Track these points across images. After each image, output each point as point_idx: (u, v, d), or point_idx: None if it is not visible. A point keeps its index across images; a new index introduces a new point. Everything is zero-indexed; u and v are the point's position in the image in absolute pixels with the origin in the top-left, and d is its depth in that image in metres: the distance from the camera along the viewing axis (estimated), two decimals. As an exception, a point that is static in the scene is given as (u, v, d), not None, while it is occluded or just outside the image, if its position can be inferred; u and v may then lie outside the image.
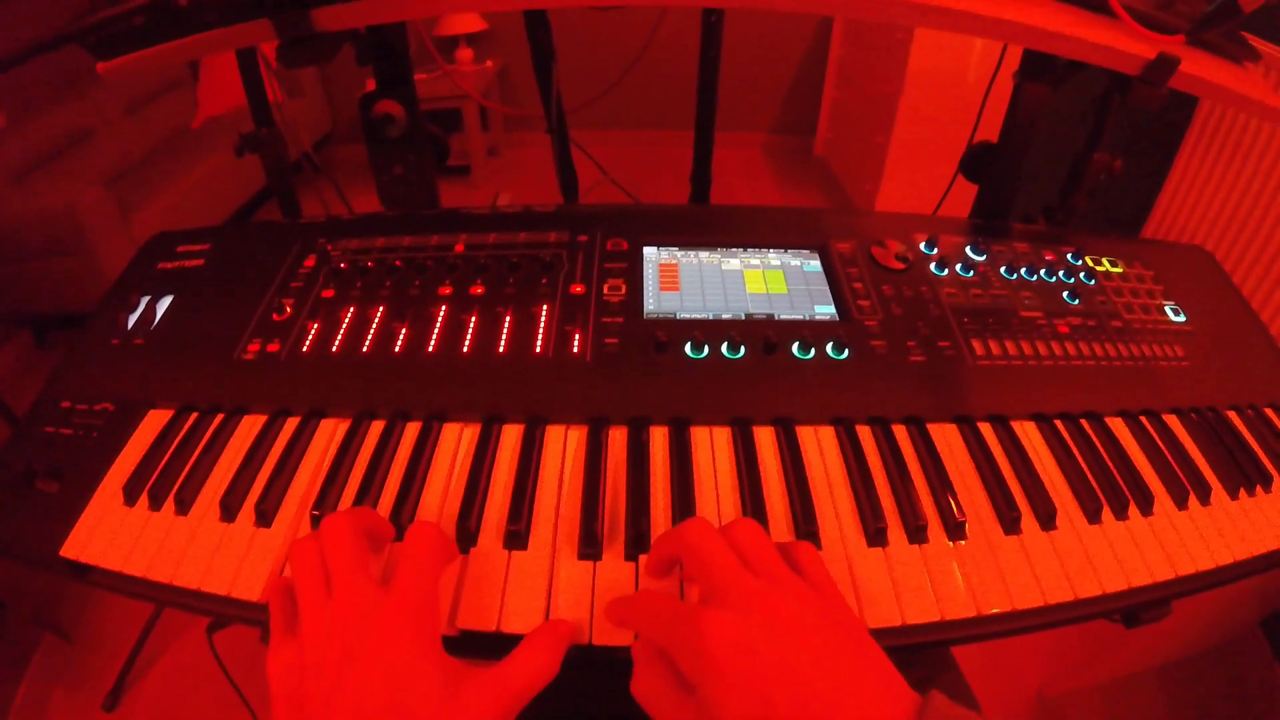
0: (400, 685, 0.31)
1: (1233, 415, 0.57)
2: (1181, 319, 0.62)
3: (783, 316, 0.58)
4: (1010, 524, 0.45)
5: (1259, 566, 0.48)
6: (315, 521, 0.45)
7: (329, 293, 0.59)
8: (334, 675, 0.31)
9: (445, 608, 0.40)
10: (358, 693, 0.30)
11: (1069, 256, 0.66)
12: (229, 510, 0.46)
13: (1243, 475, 0.52)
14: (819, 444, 0.50)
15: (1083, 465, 0.50)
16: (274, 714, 0.32)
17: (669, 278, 0.61)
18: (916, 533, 0.44)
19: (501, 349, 0.54)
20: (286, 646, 0.34)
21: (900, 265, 0.62)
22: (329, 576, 0.35)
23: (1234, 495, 0.51)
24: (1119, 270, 0.66)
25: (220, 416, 0.52)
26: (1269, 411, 0.58)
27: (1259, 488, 0.52)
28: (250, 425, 0.52)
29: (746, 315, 0.58)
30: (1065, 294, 0.62)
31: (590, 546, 0.43)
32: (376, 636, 0.32)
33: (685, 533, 0.36)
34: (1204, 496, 0.50)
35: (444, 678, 0.32)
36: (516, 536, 0.43)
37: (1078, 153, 0.74)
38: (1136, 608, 0.46)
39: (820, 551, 0.41)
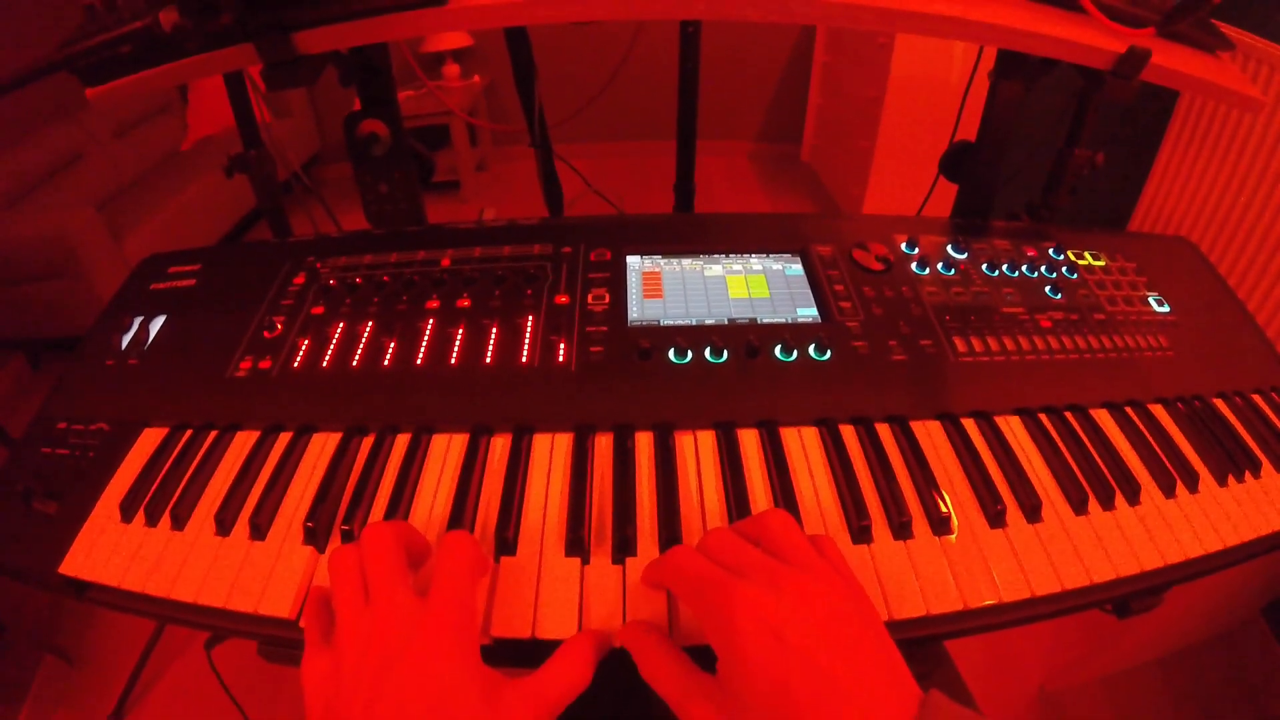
0: (441, 696, 0.31)
1: (1220, 403, 0.57)
2: (1165, 310, 0.63)
3: (765, 320, 0.59)
4: (995, 518, 0.46)
5: (1251, 552, 0.48)
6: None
7: (319, 310, 0.60)
8: (373, 684, 0.31)
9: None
10: (398, 702, 0.30)
11: (1050, 251, 0.67)
12: (224, 525, 0.46)
13: (1231, 462, 0.52)
14: (802, 444, 0.50)
15: (1067, 457, 0.50)
16: None
17: (652, 286, 0.62)
18: (901, 529, 0.45)
19: (488, 360, 0.55)
20: (322, 655, 0.34)
21: (881, 266, 0.63)
22: (368, 586, 0.35)
23: (1223, 482, 0.51)
24: (1101, 263, 0.67)
25: (214, 433, 0.53)
26: (1256, 398, 0.58)
27: (1248, 474, 0.52)
28: (243, 441, 0.52)
29: (729, 320, 0.59)
30: (1047, 289, 0.62)
31: (577, 550, 0.43)
32: (417, 647, 0.32)
33: (707, 542, 0.37)
34: (1192, 484, 0.50)
35: (483, 689, 0.32)
36: (505, 543, 0.43)
37: (1059, 149, 0.74)
38: (1127, 597, 0.46)
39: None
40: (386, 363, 0.55)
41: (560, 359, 0.55)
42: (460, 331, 0.57)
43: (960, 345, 0.57)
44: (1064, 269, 0.65)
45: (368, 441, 0.51)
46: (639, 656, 0.37)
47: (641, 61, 1.13)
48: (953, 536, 0.45)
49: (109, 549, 0.46)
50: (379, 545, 0.36)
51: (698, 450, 0.50)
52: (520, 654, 0.40)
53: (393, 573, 0.35)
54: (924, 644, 0.45)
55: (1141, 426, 0.54)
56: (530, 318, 0.58)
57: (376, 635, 0.33)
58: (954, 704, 0.30)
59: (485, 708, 0.32)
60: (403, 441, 0.51)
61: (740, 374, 0.54)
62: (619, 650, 0.39)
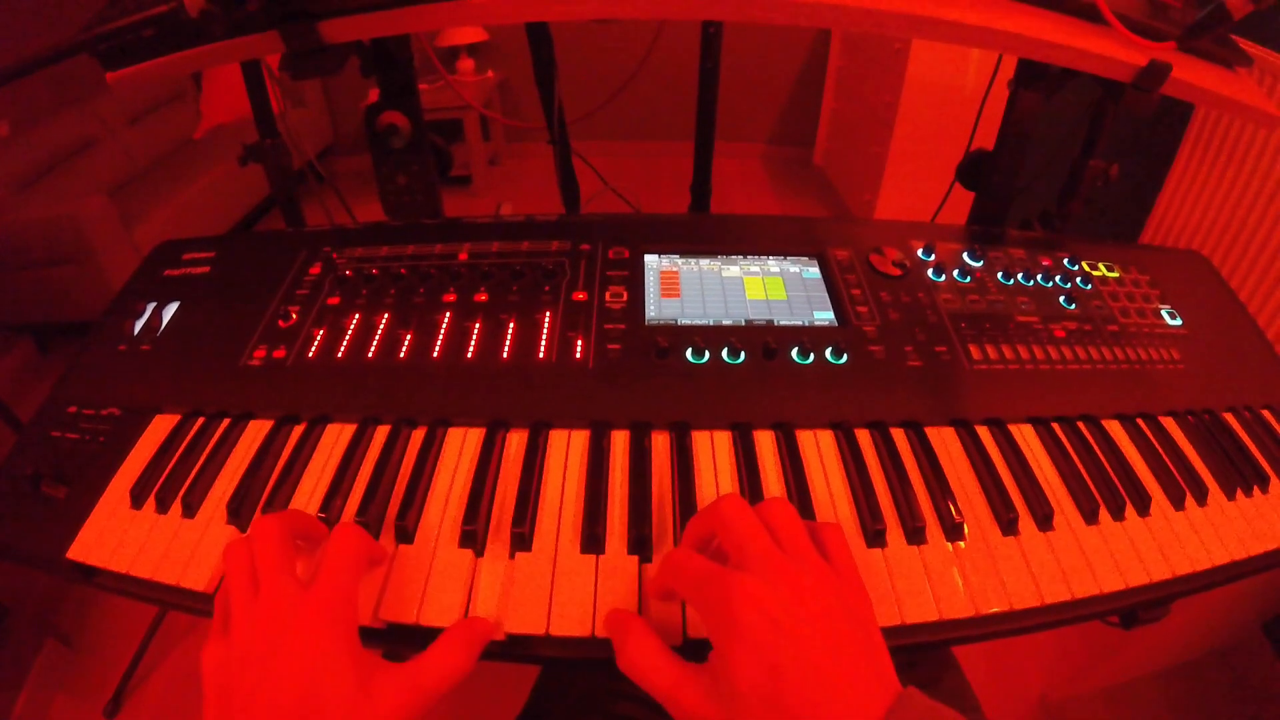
0: (313, 680, 0.32)
1: (1229, 417, 0.57)
2: (1178, 323, 0.63)
3: (782, 322, 0.59)
4: (1008, 525, 0.46)
5: (1257, 566, 0.48)
6: (328, 525, 0.45)
7: (335, 300, 0.60)
8: (258, 671, 0.32)
9: (459, 609, 0.40)
10: (276, 687, 0.32)
11: (1065, 262, 0.67)
12: (235, 513, 0.46)
13: (1240, 476, 0.52)
14: (818, 447, 0.50)
15: (1079, 467, 0.50)
16: (205, 706, 0.34)
17: (670, 285, 0.62)
18: (914, 534, 0.45)
19: (505, 355, 0.55)
20: (219, 643, 0.35)
21: (898, 272, 0.63)
22: (257, 577, 0.36)
23: (1231, 496, 0.51)
24: (1115, 275, 0.67)
25: (226, 421, 0.53)
26: (1266, 413, 0.59)
27: (1256, 488, 0.52)
28: (256, 430, 0.52)
29: (746, 321, 0.59)
30: (1061, 299, 0.63)
31: (593, 548, 0.43)
32: (295, 633, 0.33)
33: (720, 507, 0.37)
34: (1201, 497, 0.50)
35: (356, 673, 0.33)
36: (520, 538, 0.43)
37: (1074, 159, 0.74)
38: (1134, 608, 0.46)
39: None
40: (402, 355, 0.55)
41: (578, 355, 0.55)
42: (477, 325, 0.57)
43: (975, 353, 0.57)
44: (1078, 280, 0.65)
45: (382, 433, 0.51)
46: (620, 646, 0.37)
47: (660, 61, 1.14)
48: (964, 543, 0.45)
49: (118, 535, 0.46)
50: (267, 538, 0.38)
51: (714, 450, 0.50)
52: (526, 651, 0.41)
53: (278, 564, 0.36)
54: (934, 648, 0.45)
55: (1152, 438, 0.54)
56: (548, 313, 0.58)
57: (262, 623, 0.34)
58: (928, 699, 0.31)
59: (356, 690, 0.33)
60: (418, 434, 0.51)
61: (757, 375, 0.54)
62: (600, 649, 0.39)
